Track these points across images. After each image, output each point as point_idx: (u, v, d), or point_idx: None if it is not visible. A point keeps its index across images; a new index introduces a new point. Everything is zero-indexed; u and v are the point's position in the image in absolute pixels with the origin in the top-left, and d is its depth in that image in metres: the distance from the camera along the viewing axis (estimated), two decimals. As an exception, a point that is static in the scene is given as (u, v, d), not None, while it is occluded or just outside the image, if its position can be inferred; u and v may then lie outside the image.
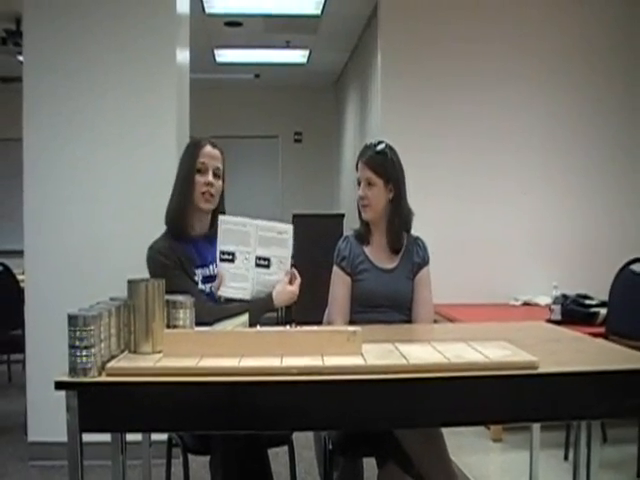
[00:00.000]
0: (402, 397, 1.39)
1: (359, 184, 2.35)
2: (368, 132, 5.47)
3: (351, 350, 1.48)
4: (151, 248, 2.08)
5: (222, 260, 2.03)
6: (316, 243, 5.56)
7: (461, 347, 1.57)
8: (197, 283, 2.06)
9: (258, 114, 8.29)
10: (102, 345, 1.39)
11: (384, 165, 2.30)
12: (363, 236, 2.37)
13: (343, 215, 6.46)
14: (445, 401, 1.40)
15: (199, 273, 2.09)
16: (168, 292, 1.60)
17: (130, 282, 1.53)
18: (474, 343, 1.60)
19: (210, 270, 2.11)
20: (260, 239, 2.04)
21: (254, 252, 2.04)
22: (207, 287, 2.08)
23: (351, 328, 1.52)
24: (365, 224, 2.38)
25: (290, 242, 2.05)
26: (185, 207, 2.09)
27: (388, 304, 2.28)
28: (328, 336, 1.50)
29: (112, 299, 1.56)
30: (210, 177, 2.10)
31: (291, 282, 2.05)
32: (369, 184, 2.30)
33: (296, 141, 8.55)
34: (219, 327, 1.65)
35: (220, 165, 2.14)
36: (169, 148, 3.14)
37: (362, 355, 1.47)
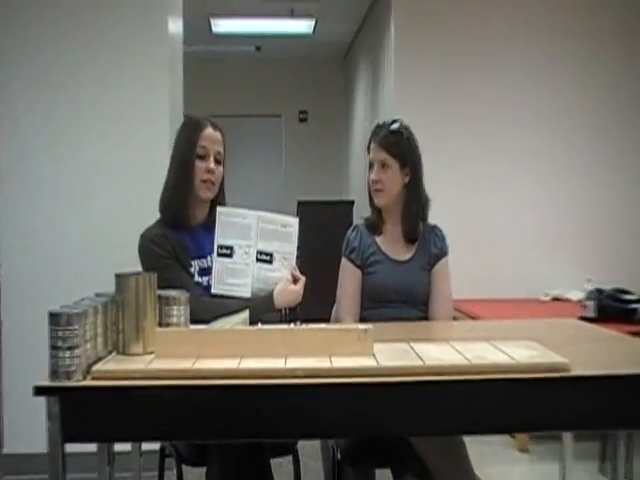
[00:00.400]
0: (418, 402, 1.39)
1: (371, 167, 2.35)
2: (380, 112, 5.46)
3: (362, 350, 1.48)
4: (143, 236, 2.10)
5: (220, 255, 2.05)
6: (323, 233, 5.58)
7: (483, 347, 1.56)
8: (193, 275, 2.09)
9: (259, 91, 8.28)
10: (87, 346, 1.39)
11: (400, 145, 2.30)
12: (375, 225, 2.39)
13: (353, 202, 6.47)
14: (466, 407, 1.39)
15: (195, 264, 2.11)
16: (161, 286, 1.61)
17: (118, 276, 1.53)
18: (498, 343, 1.59)
19: (208, 261, 2.13)
20: (262, 232, 2.06)
21: (255, 246, 2.06)
22: (204, 280, 2.10)
23: (362, 326, 1.53)
24: (377, 212, 2.40)
25: (295, 237, 2.08)
26: (183, 196, 2.11)
27: (402, 299, 2.29)
28: (336, 335, 1.50)
29: (98, 295, 1.56)
30: (212, 163, 2.12)
31: (295, 282, 2.06)
32: (383, 166, 2.30)
33: (301, 120, 8.54)
34: (217, 325, 1.65)
35: (221, 149, 2.16)
36: (161, 129, 3.14)
37: (374, 356, 1.47)
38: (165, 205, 2.14)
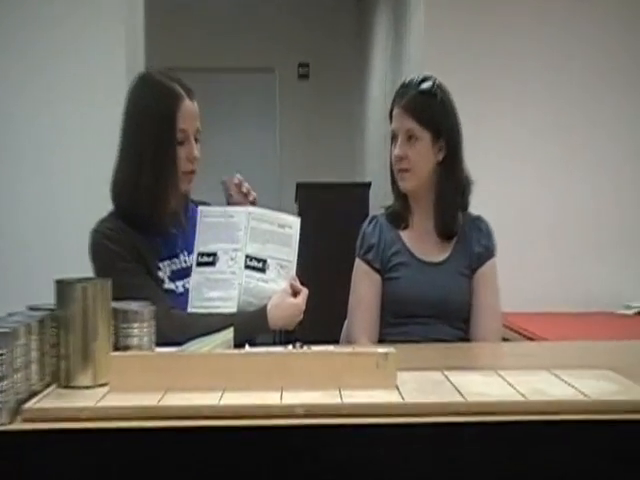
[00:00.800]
0: (456, 450, 1.38)
1: (394, 139, 2.36)
2: (404, 68, 5.45)
3: (382, 381, 1.48)
4: (95, 232, 2.14)
5: (200, 264, 2.12)
6: (329, 227, 5.59)
7: (543, 378, 1.56)
8: (163, 281, 2.14)
9: (247, 38, 8.29)
10: (17, 377, 1.38)
11: (432, 111, 2.32)
12: (399, 216, 2.41)
13: (369, 185, 6.46)
14: (520, 457, 1.38)
15: (166, 267, 2.16)
16: (118, 296, 1.62)
17: (59, 283, 1.53)
18: (562, 372, 1.59)
19: (181, 261, 2.19)
20: (253, 232, 2.12)
21: (244, 249, 2.12)
22: (178, 285, 2.16)
23: (382, 349, 1.52)
24: (402, 198, 2.42)
25: (295, 240, 2.15)
26: (163, 197, 2.14)
27: (435, 313, 2.31)
28: (348, 361, 1.50)
29: (32, 309, 1.56)
30: (195, 149, 2.17)
31: (295, 294, 2.10)
32: (410, 139, 2.31)
33: (301, 77, 8.54)
34: (192, 348, 1.65)
35: (199, 124, 2.20)
36: (115, 87, 3.16)
37: (397, 389, 1.47)
38: (129, 202, 2.15)
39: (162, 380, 1.46)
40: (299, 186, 6.28)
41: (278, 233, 2.11)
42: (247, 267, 2.10)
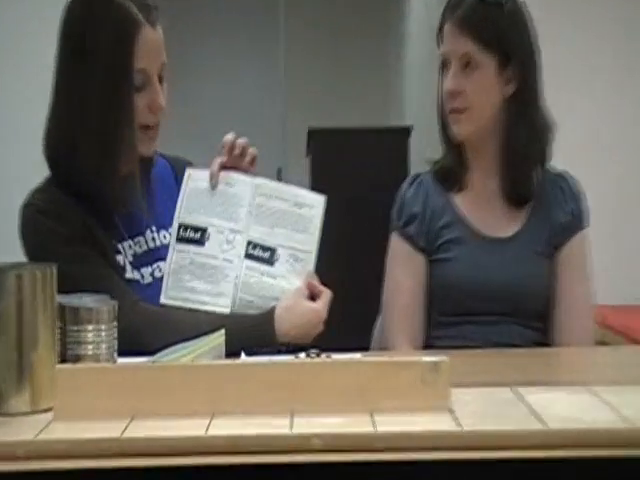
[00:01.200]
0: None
1: (445, 67, 2.37)
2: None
3: (430, 402, 1.49)
4: (27, 206, 2.14)
5: (181, 240, 2.14)
6: (354, 190, 5.56)
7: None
8: (123, 269, 2.15)
9: None
10: None
11: (498, 26, 2.32)
12: (451, 174, 2.43)
13: (408, 131, 6.43)
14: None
15: (126, 250, 2.17)
16: (64, 289, 1.63)
17: (-15, 271, 1.56)
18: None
19: (147, 241, 2.23)
20: (259, 211, 2.16)
21: (246, 232, 2.15)
22: (144, 274, 2.20)
23: (430, 357, 1.53)
24: (456, 150, 2.42)
25: (317, 224, 2.18)
26: (111, 158, 2.13)
27: (502, 308, 2.32)
28: (383, 373, 1.51)
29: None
30: (160, 97, 2.17)
31: (313, 297, 2.13)
32: (467, 66, 2.32)
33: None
34: (168, 357, 1.66)
35: (165, 57, 2.19)
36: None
37: (452, 412, 1.48)
38: (66, 167, 2.16)
39: (127, 403, 1.47)
40: (312, 133, 6.21)
41: (294, 214, 2.14)
42: (249, 256, 2.13)
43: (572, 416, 1.47)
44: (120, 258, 2.15)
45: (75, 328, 1.62)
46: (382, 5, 8.17)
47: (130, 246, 2.18)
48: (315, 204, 2.16)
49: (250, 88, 8.25)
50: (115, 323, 1.66)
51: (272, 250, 2.13)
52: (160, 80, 2.18)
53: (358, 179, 5.74)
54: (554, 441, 1.38)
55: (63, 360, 1.60)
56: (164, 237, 2.24)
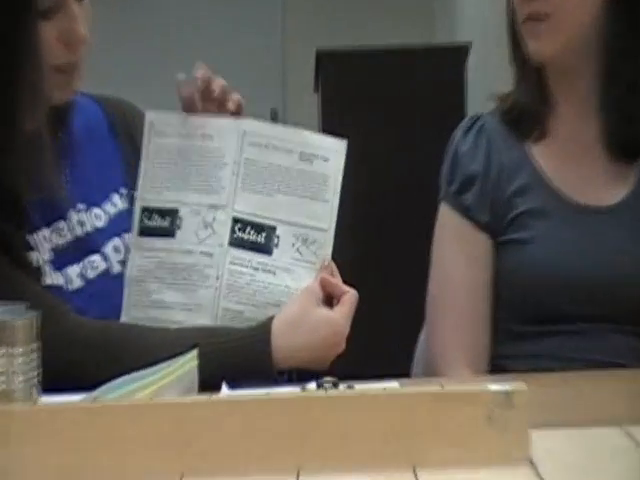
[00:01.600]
0: None
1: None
2: None
3: (501, 449, 1.43)
4: None
5: (144, 232, 2.10)
6: (385, 141, 5.54)
7: None
8: (39, 271, 2.17)
9: None
10: None
11: None
12: (529, 113, 2.37)
13: (466, 50, 6.42)
14: None
15: (41, 243, 2.16)
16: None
17: None
18: None
19: (72, 226, 2.22)
20: (249, 171, 2.09)
21: (230, 205, 2.08)
22: (70, 276, 2.20)
23: (499, 385, 1.46)
24: (534, 78, 2.36)
25: (336, 186, 2.11)
26: (11, 111, 2.16)
27: (603, 311, 2.26)
28: (430, 408, 1.45)
29: None
30: (78, 23, 2.14)
31: (330, 300, 2.03)
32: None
33: None
34: (117, 391, 1.63)
35: None
36: None
37: (533, 465, 1.40)
38: None
39: (53, 459, 1.45)
40: (321, 57, 6.09)
41: (301, 173, 2.02)
42: (235, 243, 2.04)
43: None
44: (34, 256, 2.14)
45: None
46: None
47: (46, 237, 2.17)
48: (331, 154, 2.04)
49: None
50: (37, 344, 1.60)
51: (270, 229, 2.05)
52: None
53: (389, 122, 5.68)
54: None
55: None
56: (97, 218, 2.22)
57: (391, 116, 5.45)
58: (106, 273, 2.15)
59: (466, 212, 2.32)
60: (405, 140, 4.82)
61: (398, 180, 4.61)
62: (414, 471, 1.43)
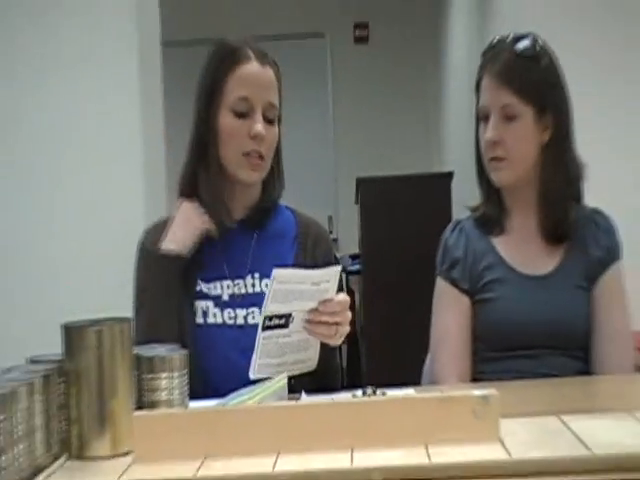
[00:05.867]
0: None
1: (484, 118, 2.35)
2: (494, 25, 5.42)
3: (482, 433, 1.49)
4: (144, 233, 2.27)
5: (267, 328, 2.01)
6: (401, 235, 5.54)
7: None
8: (194, 314, 2.16)
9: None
10: (18, 449, 1.40)
11: (535, 79, 2.30)
12: (492, 219, 2.41)
13: (450, 176, 6.41)
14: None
15: (224, 288, 2.18)
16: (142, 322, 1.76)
17: (68, 328, 1.55)
18: None
19: (246, 285, 2.19)
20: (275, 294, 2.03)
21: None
22: (239, 315, 2.17)
23: (479, 391, 1.52)
24: (495, 195, 2.41)
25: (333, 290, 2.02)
26: (208, 177, 2.17)
27: (545, 341, 2.30)
28: (437, 408, 1.51)
29: (34, 361, 1.58)
30: (259, 124, 2.14)
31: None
32: (506, 117, 2.30)
33: (358, 41, 8.56)
34: (235, 400, 1.68)
35: (276, 100, 2.20)
36: (126, 69, 3.27)
37: (502, 442, 1.48)
38: (180, 192, 2.24)
39: (200, 444, 1.48)
40: (360, 182, 6.18)
41: (312, 291, 1.95)
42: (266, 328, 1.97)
43: (616, 442, 1.44)
44: (202, 304, 2.15)
45: (150, 376, 1.64)
46: (422, 62, 8.19)
47: (229, 286, 2.17)
48: (331, 277, 1.95)
49: (303, 141, 8.24)
50: (186, 370, 1.67)
51: (287, 316, 1.96)
52: (270, 121, 2.16)
53: (404, 224, 5.70)
54: (599, 466, 1.37)
55: (139, 406, 1.62)
56: (265, 286, 2.18)
57: (404, 221, 5.51)
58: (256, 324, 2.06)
59: (453, 282, 2.38)
60: (413, 235, 4.88)
61: (409, 261, 4.64)
62: (426, 447, 1.47)
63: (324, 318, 1.94)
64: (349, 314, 2.00)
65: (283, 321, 1.96)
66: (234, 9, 8.10)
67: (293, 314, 1.97)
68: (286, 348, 1.97)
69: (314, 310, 1.94)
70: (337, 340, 1.98)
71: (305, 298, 1.95)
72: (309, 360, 1.99)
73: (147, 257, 2.17)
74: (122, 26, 3.29)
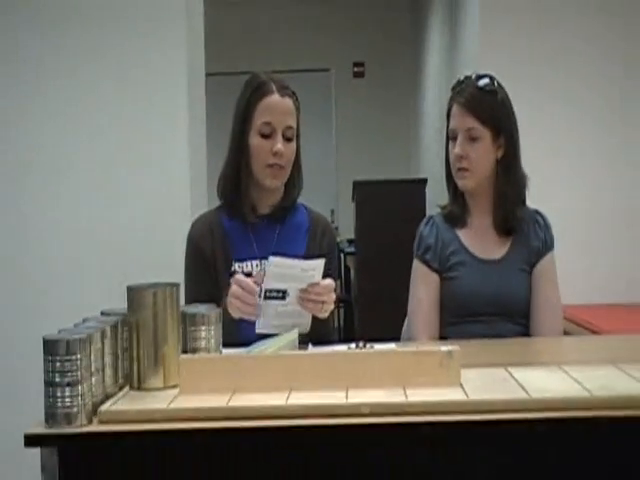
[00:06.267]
0: (521, 447, 1.38)
1: (452, 139, 2.35)
2: (460, 65, 5.40)
3: (446, 379, 1.49)
4: (191, 226, 2.26)
5: (268, 298, 1.98)
6: (388, 224, 5.54)
7: (609, 373, 1.55)
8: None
9: (301, 38, 8.32)
10: (93, 380, 1.41)
11: (493, 109, 2.30)
12: (456, 215, 2.40)
13: (425, 181, 6.41)
14: (587, 454, 1.38)
15: (252, 266, 2.17)
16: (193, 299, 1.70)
17: (131, 289, 1.56)
18: (629, 367, 1.58)
19: (252, 266, 2.18)
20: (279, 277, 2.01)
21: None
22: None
23: (445, 347, 1.53)
24: (460, 197, 2.40)
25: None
26: (237, 184, 2.19)
27: (495, 311, 2.30)
28: (413, 359, 1.51)
29: (105, 314, 1.59)
30: (279, 143, 2.14)
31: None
32: (470, 137, 2.29)
33: (356, 75, 8.54)
34: (257, 349, 1.68)
35: (293, 122, 2.19)
36: (179, 95, 3.18)
37: (461, 386, 1.48)
38: (219, 192, 2.24)
39: (230, 381, 1.49)
40: (356, 184, 6.22)
41: (301, 277, 1.93)
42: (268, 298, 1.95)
43: (548, 388, 1.45)
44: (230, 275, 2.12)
45: (193, 328, 1.64)
46: (406, 93, 8.20)
47: (257, 265, 2.16)
48: (317, 267, 1.92)
49: (310, 153, 8.21)
50: (220, 324, 1.68)
51: (284, 291, 1.94)
52: (289, 139, 2.15)
53: (389, 217, 5.69)
54: (536, 406, 1.38)
55: (184, 351, 1.61)
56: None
57: (390, 216, 5.46)
58: None
59: (426, 263, 2.36)
60: (397, 227, 4.83)
61: (394, 248, 4.60)
62: (404, 389, 1.47)
63: (312, 297, 1.91)
64: (333, 295, 1.98)
65: (281, 295, 1.94)
66: (255, 47, 8.05)
67: (288, 290, 1.94)
68: (284, 315, 1.94)
69: (304, 290, 1.92)
70: (324, 314, 1.95)
71: (297, 281, 1.92)
72: (303, 325, 1.94)
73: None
74: (173, 55, 3.22)
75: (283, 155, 2.14)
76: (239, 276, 1.99)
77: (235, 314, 1.93)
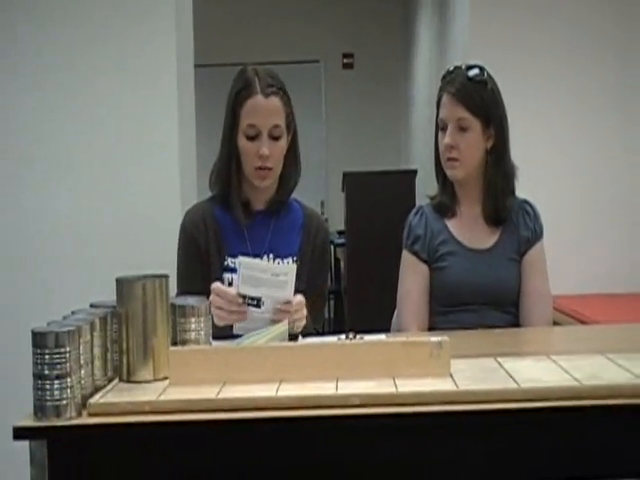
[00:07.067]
0: (511, 437, 1.38)
1: (442, 129, 2.34)
2: (450, 55, 5.39)
3: (435, 370, 1.49)
4: (185, 214, 2.27)
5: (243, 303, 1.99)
6: (377, 215, 5.55)
7: (598, 362, 1.55)
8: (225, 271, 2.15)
9: (290, 30, 8.31)
10: (82, 372, 1.41)
11: (483, 99, 2.29)
12: (445, 205, 2.39)
13: (415, 172, 6.41)
14: (576, 444, 1.38)
15: (229, 262, 2.16)
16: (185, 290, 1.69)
17: (120, 281, 1.55)
18: (618, 356, 1.58)
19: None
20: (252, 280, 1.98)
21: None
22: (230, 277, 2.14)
23: (435, 338, 1.53)
24: (449, 187, 2.39)
25: (290, 286, 1.96)
26: (230, 179, 2.19)
27: (484, 300, 2.29)
28: (402, 350, 1.51)
29: (94, 306, 1.59)
30: (264, 146, 2.12)
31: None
32: (460, 127, 2.29)
33: (345, 67, 8.54)
34: (247, 341, 1.67)
35: (280, 120, 2.16)
36: (168, 85, 3.16)
37: (451, 377, 1.48)
38: (212, 185, 2.24)
39: (220, 373, 1.49)
40: (346, 175, 6.22)
41: (272, 280, 1.92)
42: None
43: (537, 378, 1.46)
44: (228, 275, 2.12)
45: (182, 320, 1.63)
46: (395, 84, 8.20)
47: (232, 261, 2.15)
48: (289, 272, 1.92)
49: (302, 143, 8.21)
50: (210, 316, 1.67)
51: (258, 299, 1.91)
52: (276, 138, 2.13)
53: (379, 208, 5.70)
54: (524, 396, 1.38)
55: (174, 343, 1.61)
56: (278, 263, 2.17)
57: (380, 206, 5.48)
58: None
59: (415, 254, 2.36)
60: (386, 217, 4.83)
61: (383, 237, 4.60)
62: (394, 379, 1.47)
63: (283, 314, 1.89)
64: (304, 312, 1.96)
65: (255, 302, 1.92)
66: (244, 39, 8.02)
67: (263, 299, 1.91)
68: (260, 320, 1.90)
69: (277, 308, 1.90)
70: (296, 330, 1.93)
71: (269, 286, 1.90)
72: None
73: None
74: (162, 47, 3.21)
75: (269, 157, 2.12)
76: (217, 285, 1.97)
77: (220, 323, 1.92)
